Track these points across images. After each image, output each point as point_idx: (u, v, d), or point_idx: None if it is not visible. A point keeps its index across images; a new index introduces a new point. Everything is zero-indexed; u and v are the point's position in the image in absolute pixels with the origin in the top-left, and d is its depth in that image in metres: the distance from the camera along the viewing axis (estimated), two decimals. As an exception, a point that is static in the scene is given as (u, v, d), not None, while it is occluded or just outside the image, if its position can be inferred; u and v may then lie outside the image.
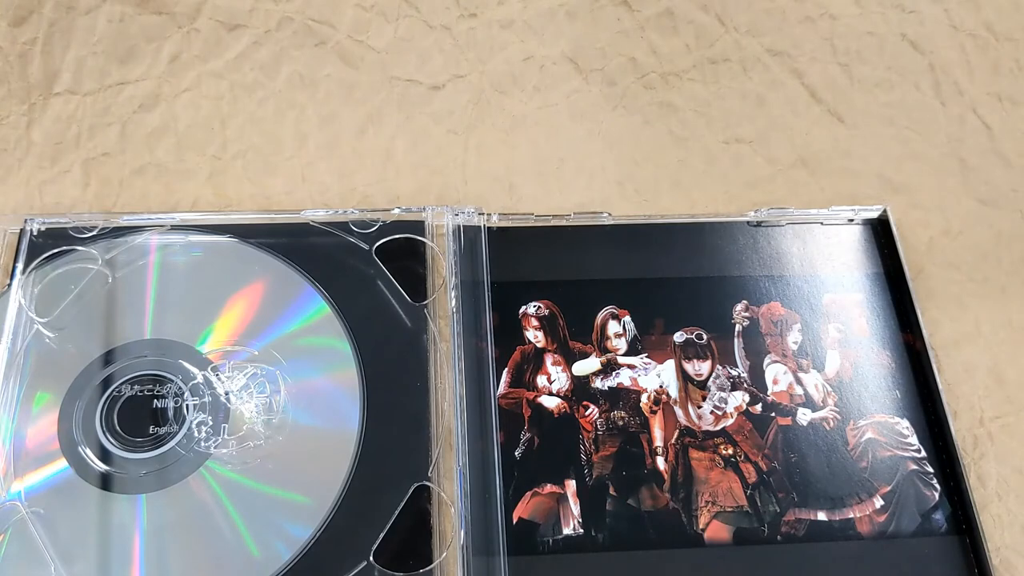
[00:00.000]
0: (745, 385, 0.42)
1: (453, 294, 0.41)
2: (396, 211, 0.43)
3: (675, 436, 0.40)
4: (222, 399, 0.39)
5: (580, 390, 0.41)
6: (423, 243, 0.43)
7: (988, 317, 0.45)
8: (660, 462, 0.40)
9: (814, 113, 0.50)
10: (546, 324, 0.42)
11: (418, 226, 0.43)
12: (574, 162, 0.48)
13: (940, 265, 0.47)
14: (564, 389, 0.41)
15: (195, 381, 0.39)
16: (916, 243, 0.47)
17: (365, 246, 0.43)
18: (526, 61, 0.50)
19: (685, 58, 0.51)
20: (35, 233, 0.42)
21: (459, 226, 0.43)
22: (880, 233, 0.46)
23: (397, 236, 0.43)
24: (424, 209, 0.43)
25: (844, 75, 0.51)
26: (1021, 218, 0.48)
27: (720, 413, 0.41)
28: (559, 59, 0.50)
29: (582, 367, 0.41)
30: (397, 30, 0.50)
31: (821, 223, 0.46)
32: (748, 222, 0.46)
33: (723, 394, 0.42)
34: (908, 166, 0.49)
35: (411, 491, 0.37)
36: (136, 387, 0.39)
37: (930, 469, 0.40)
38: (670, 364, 0.42)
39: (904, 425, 0.41)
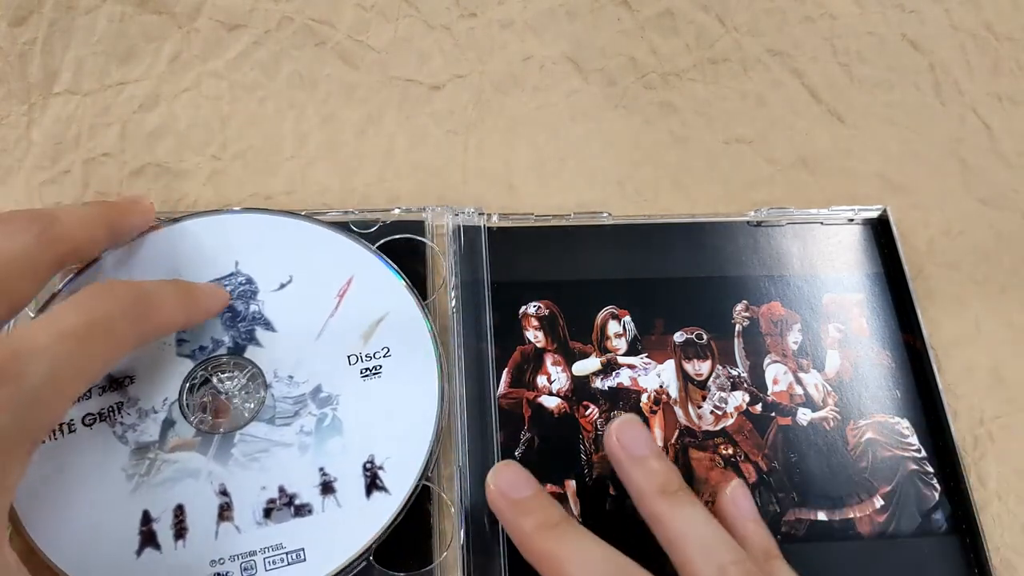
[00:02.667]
0: (745, 385, 0.42)
1: (453, 294, 0.41)
2: (396, 211, 0.43)
3: (675, 436, 0.40)
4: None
5: (580, 390, 0.41)
6: (423, 243, 0.43)
7: (988, 317, 0.45)
8: (660, 462, 0.39)
9: (814, 113, 0.50)
10: (546, 324, 0.42)
11: (418, 226, 0.43)
12: (574, 162, 0.48)
13: (940, 265, 0.47)
14: (564, 389, 0.41)
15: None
16: (916, 243, 0.47)
17: (365, 246, 0.43)
18: (526, 61, 0.50)
19: (685, 58, 0.51)
20: (35, 233, 0.42)
21: (459, 226, 0.43)
22: (880, 233, 0.46)
23: (397, 236, 0.43)
24: (424, 209, 0.43)
25: (844, 75, 0.51)
26: (1021, 218, 0.48)
27: (720, 413, 0.41)
28: (559, 59, 0.50)
29: (582, 367, 0.41)
30: (397, 30, 0.50)
31: (821, 223, 0.46)
32: (748, 222, 0.46)
33: (723, 394, 0.41)
34: (908, 166, 0.49)
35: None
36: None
37: (930, 469, 0.40)
38: (670, 364, 0.42)
39: (904, 425, 0.41)
